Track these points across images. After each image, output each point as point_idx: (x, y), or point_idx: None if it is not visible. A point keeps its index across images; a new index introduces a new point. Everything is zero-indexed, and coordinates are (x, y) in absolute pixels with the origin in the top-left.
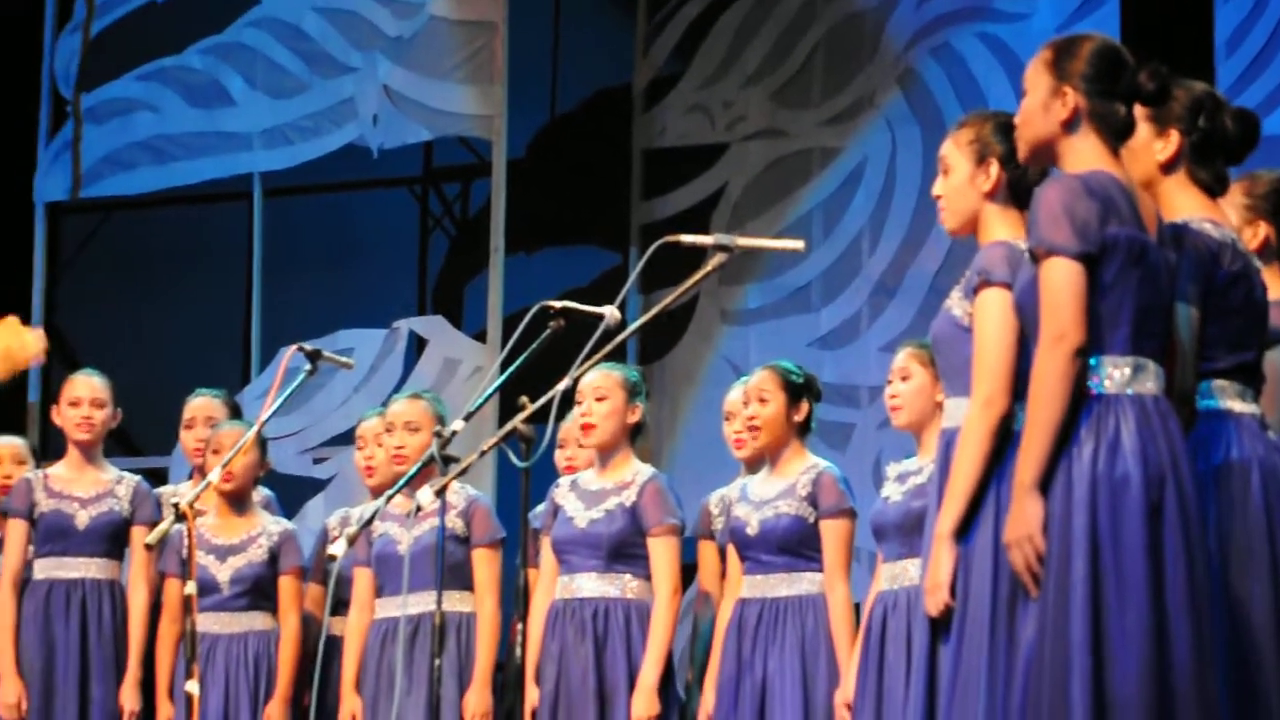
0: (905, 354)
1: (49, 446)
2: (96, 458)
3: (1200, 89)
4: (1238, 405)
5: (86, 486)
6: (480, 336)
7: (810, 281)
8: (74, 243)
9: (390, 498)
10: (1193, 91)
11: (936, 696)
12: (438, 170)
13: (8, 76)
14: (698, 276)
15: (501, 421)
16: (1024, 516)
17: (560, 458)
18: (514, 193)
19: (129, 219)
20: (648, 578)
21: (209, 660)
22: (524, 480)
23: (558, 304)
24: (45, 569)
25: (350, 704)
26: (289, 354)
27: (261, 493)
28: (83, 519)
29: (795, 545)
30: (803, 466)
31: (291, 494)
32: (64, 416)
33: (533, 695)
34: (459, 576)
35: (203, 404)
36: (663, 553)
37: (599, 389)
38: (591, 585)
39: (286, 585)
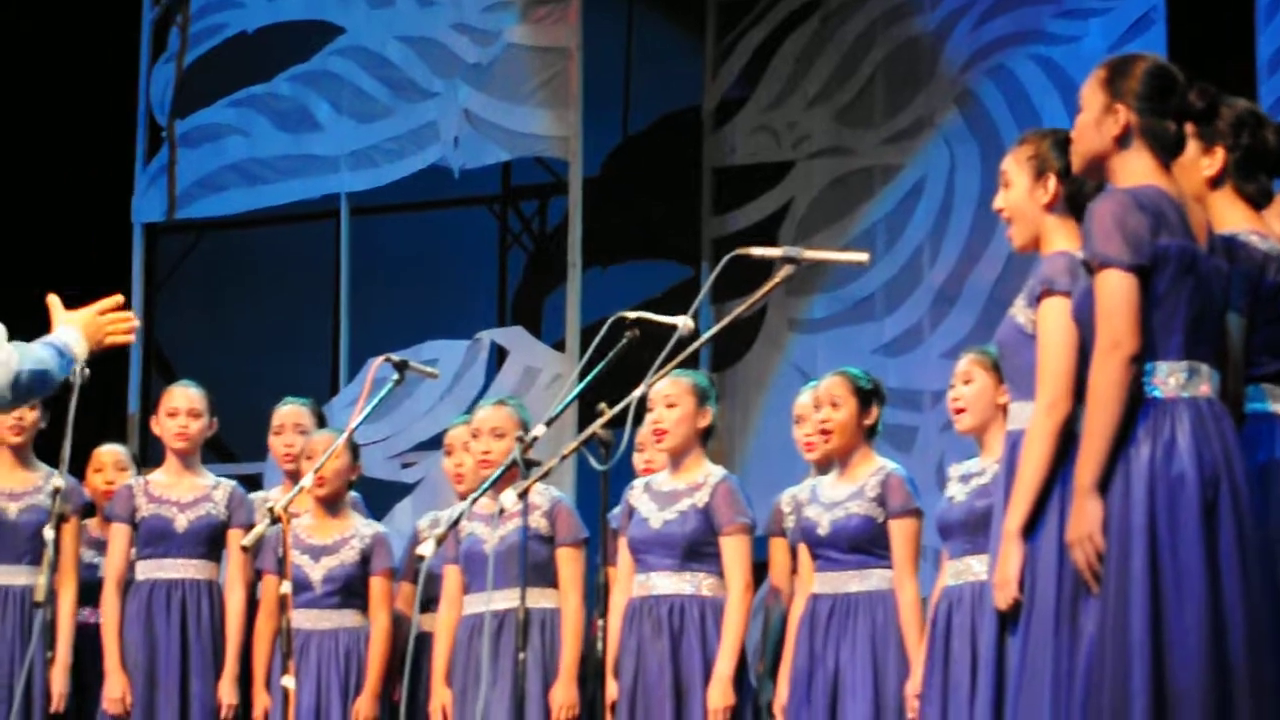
0: (968, 359)
1: (148, 454)
2: (194, 464)
3: (1243, 106)
4: None
5: (185, 492)
6: (559, 346)
7: (874, 292)
8: (170, 261)
9: (476, 500)
10: (1235, 109)
11: (1005, 688)
12: (516, 189)
13: (107, 105)
14: (767, 287)
15: (581, 427)
16: (1084, 516)
17: (638, 461)
18: (589, 210)
19: (222, 238)
20: (720, 575)
21: (302, 656)
22: (603, 482)
23: (633, 315)
24: (147, 570)
25: (440, 696)
26: (376, 364)
27: (351, 496)
28: (182, 523)
29: (865, 544)
30: (871, 469)
31: (380, 498)
32: (163, 426)
33: (612, 689)
34: (542, 574)
35: (290, 411)
36: (735, 551)
37: (669, 396)
38: (667, 583)
39: (377, 585)
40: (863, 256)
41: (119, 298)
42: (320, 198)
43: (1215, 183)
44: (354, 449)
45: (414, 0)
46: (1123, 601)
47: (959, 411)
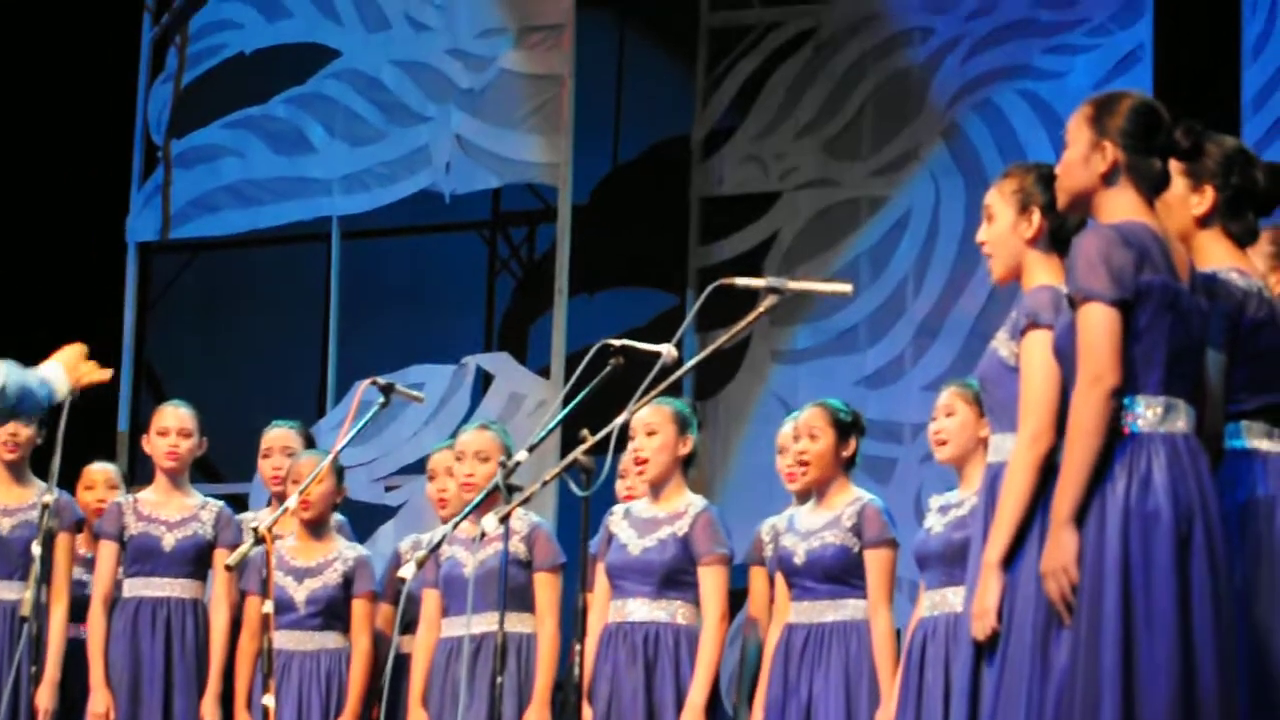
0: (950, 392)
1: (137, 472)
2: (183, 484)
3: (1231, 145)
4: (1264, 444)
5: (173, 511)
6: (544, 372)
7: (857, 323)
8: (163, 281)
9: (458, 524)
10: (1224, 147)
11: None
12: (506, 215)
13: (103, 124)
14: (751, 317)
15: (563, 453)
16: (1060, 548)
17: (621, 487)
18: (578, 237)
19: (215, 259)
20: (697, 604)
21: (284, 676)
22: (584, 509)
23: (618, 342)
24: (133, 588)
25: (417, 717)
26: (363, 387)
27: (335, 519)
28: (169, 541)
29: (840, 574)
30: (848, 499)
31: (364, 520)
32: (153, 445)
33: (587, 714)
34: (520, 599)
35: (279, 434)
36: (712, 581)
37: (650, 424)
38: (643, 610)
39: (359, 607)
40: (846, 288)
41: (81, 347)
42: (312, 220)
43: (1204, 221)
44: (339, 472)
45: (409, 25)
46: (1094, 634)
47: (940, 443)
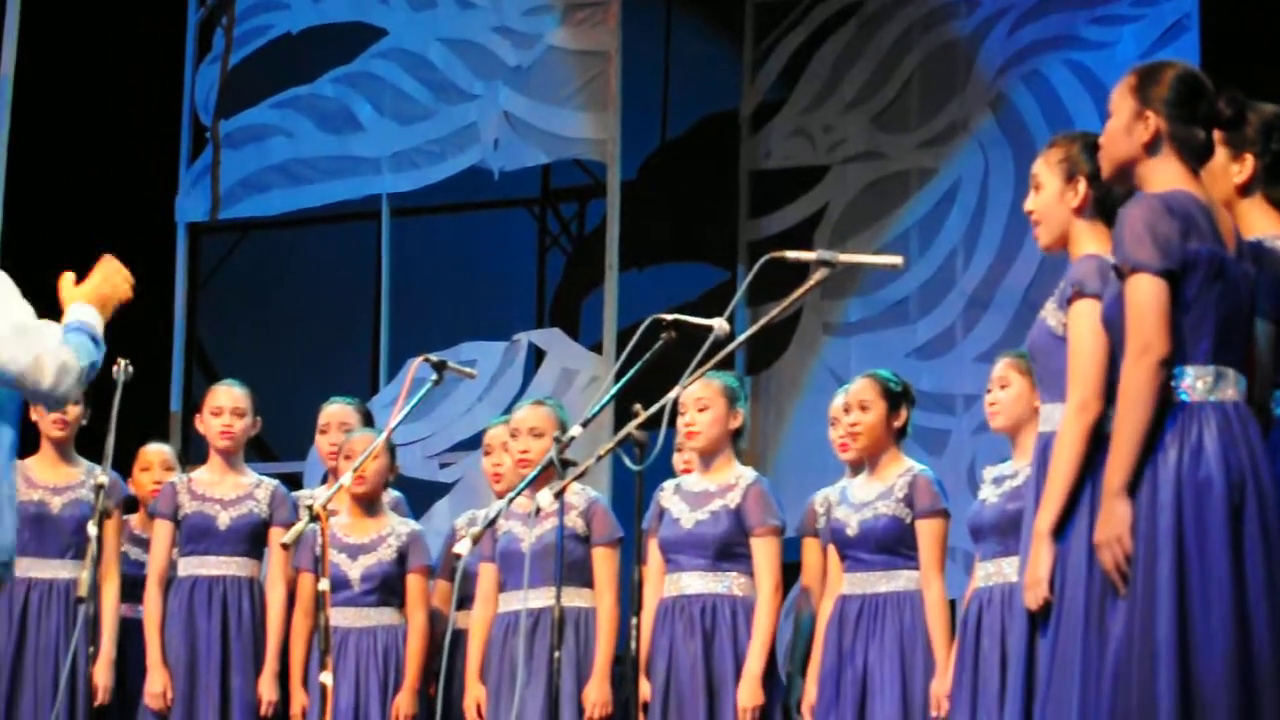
0: (1004, 363)
1: (190, 453)
2: (237, 463)
3: (1270, 112)
4: None
5: (228, 490)
6: (596, 348)
7: (908, 296)
8: (213, 261)
9: (512, 499)
10: (1263, 115)
11: (1034, 688)
12: (555, 191)
13: (151, 105)
14: (802, 290)
15: (617, 428)
16: (1113, 519)
17: (678, 461)
18: (627, 212)
19: (264, 238)
20: (751, 575)
21: (340, 653)
22: (638, 483)
23: (669, 317)
24: (189, 567)
25: (474, 692)
26: (415, 365)
27: (391, 495)
28: (224, 520)
29: (893, 544)
30: (900, 470)
31: (419, 497)
32: (207, 425)
33: (645, 688)
34: (577, 573)
35: (337, 410)
36: (765, 552)
37: (701, 398)
38: (698, 583)
39: (414, 583)
40: (897, 260)
41: (109, 258)
42: (362, 199)
43: (1245, 190)
44: (391, 449)
45: (455, 3)
46: (1149, 603)
47: (994, 414)
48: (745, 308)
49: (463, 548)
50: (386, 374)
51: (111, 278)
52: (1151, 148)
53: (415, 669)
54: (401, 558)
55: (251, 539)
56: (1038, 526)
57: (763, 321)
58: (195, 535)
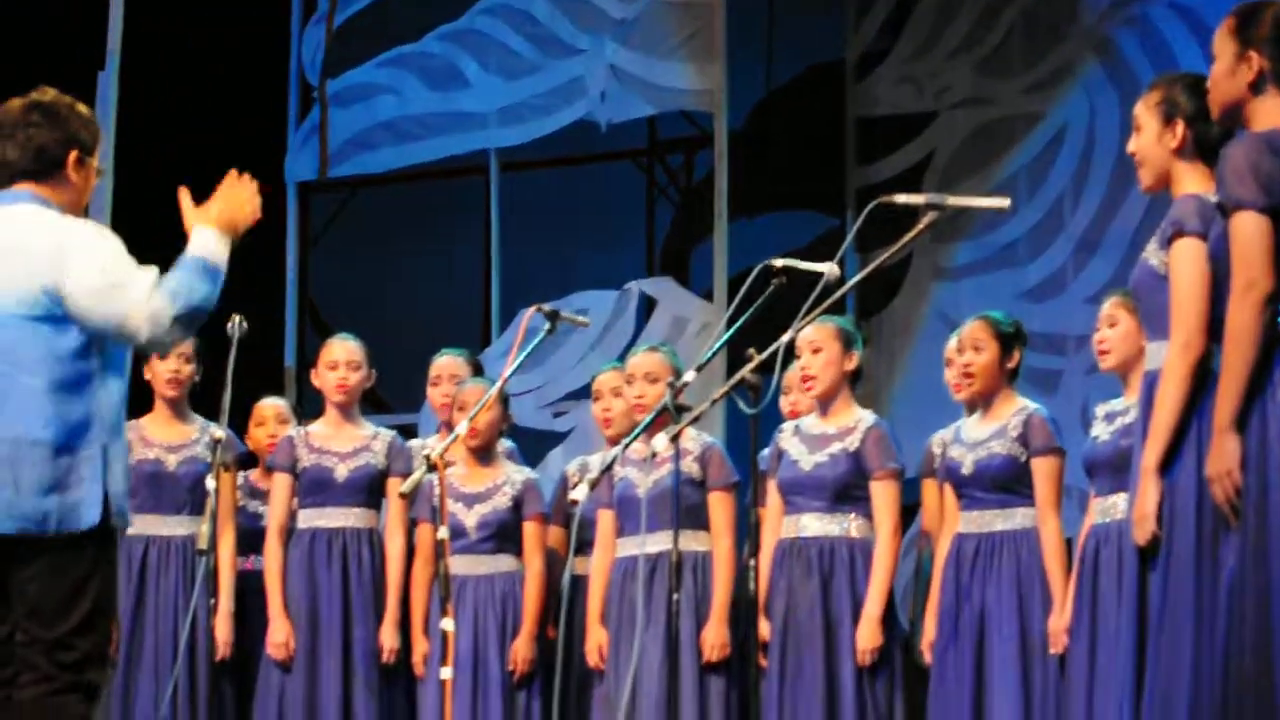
0: (1112, 302)
1: (305, 407)
2: (353, 415)
3: None
4: None
5: (344, 442)
6: (706, 295)
7: (1017, 239)
8: (323, 218)
9: (628, 445)
10: None
11: (1146, 623)
12: (662, 143)
13: (259, 67)
14: (912, 234)
15: (729, 373)
16: (1223, 453)
17: (784, 404)
18: (734, 161)
19: (373, 195)
20: (869, 517)
21: (459, 601)
22: (752, 426)
23: (780, 262)
24: (308, 519)
25: (596, 636)
26: (529, 314)
27: (504, 445)
28: (342, 472)
29: (1008, 483)
30: (1013, 409)
31: (532, 446)
32: (322, 379)
33: (764, 629)
34: (694, 517)
35: (447, 362)
36: (884, 494)
37: (816, 342)
38: (816, 525)
39: (530, 530)
40: (1004, 201)
41: (235, 176)
42: (470, 154)
43: None
44: (505, 399)
45: None
46: (1262, 535)
47: (1104, 353)
48: (855, 254)
49: (580, 493)
50: (498, 326)
51: (236, 197)
52: (1256, 87)
53: (533, 615)
54: (517, 506)
55: (369, 490)
56: (1144, 463)
57: (874, 265)
58: (314, 487)
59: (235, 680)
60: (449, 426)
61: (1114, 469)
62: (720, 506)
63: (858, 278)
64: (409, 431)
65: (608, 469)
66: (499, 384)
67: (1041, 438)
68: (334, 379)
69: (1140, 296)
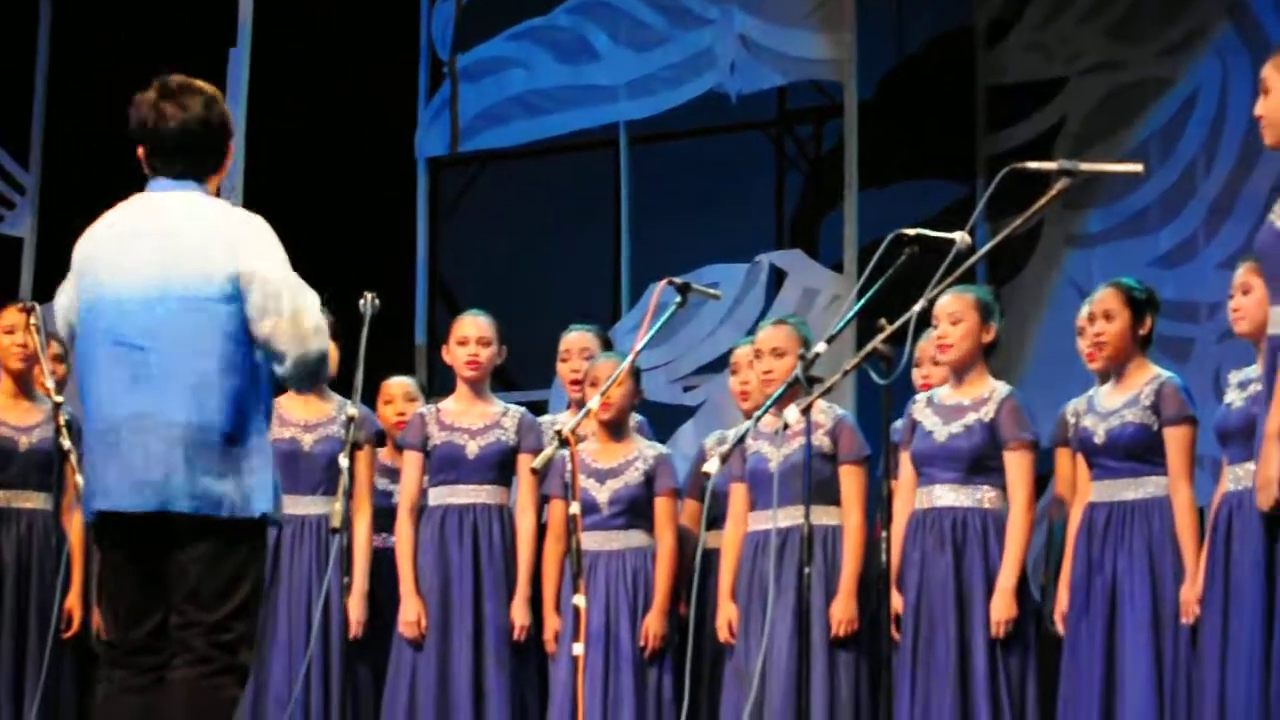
0: (1245, 268)
1: (436, 384)
2: (484, 392)
3: None
4: None
5: (475, 419)
6: (836, 267)
7: (1148, 205)
8: (453, 193)
9: (759, 418)
10: None
11: (1275, 588)
12: (791, 113)
13: (389, 42)
14: (1044, 200)
15: (860, 345)
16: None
17: (916, 375)
18: (864, 131)
19: (504, 169)
20: (1002, 488)
21: (591, 577)
22: (884, 397)
23: (911, 231)
24: (439, 496)
25: (727, 611)
26: (660, 288)
27: (635, 419)
28: (473, 449)
29: (1141, 451)
30: (1146, 378)
31: (664, 421)
32: (453, 355)
33: (896, 601)
34: (825, 491)
35: (577, 338)
36: (1019, 466)
37: (953, 312)
38: (950, 496)
39: (661, 505)
40: (1138, 167)
41: None
42: (599, 127)
43: None
44: (636, 374)
45: None
46: None
47: (1238, 319)
48: (985, 222)
49: (712, 467)
50: (628, 300)
51: None
52: None
53: (664, 590)
54: (649, 481)
55: (500, 467)
56: (1268, 428)
57: (1005, 233)
58: (445, 465)
59: (369, 659)
60: (578, 403)
61: (1247, 436)
62: (851, 480)
63: (989, 246)
64: (539, 409)
65: (739, 442)
66: (630, 358)
67: (1174, 406)
68: (464, 355)
69: (1265, 260)
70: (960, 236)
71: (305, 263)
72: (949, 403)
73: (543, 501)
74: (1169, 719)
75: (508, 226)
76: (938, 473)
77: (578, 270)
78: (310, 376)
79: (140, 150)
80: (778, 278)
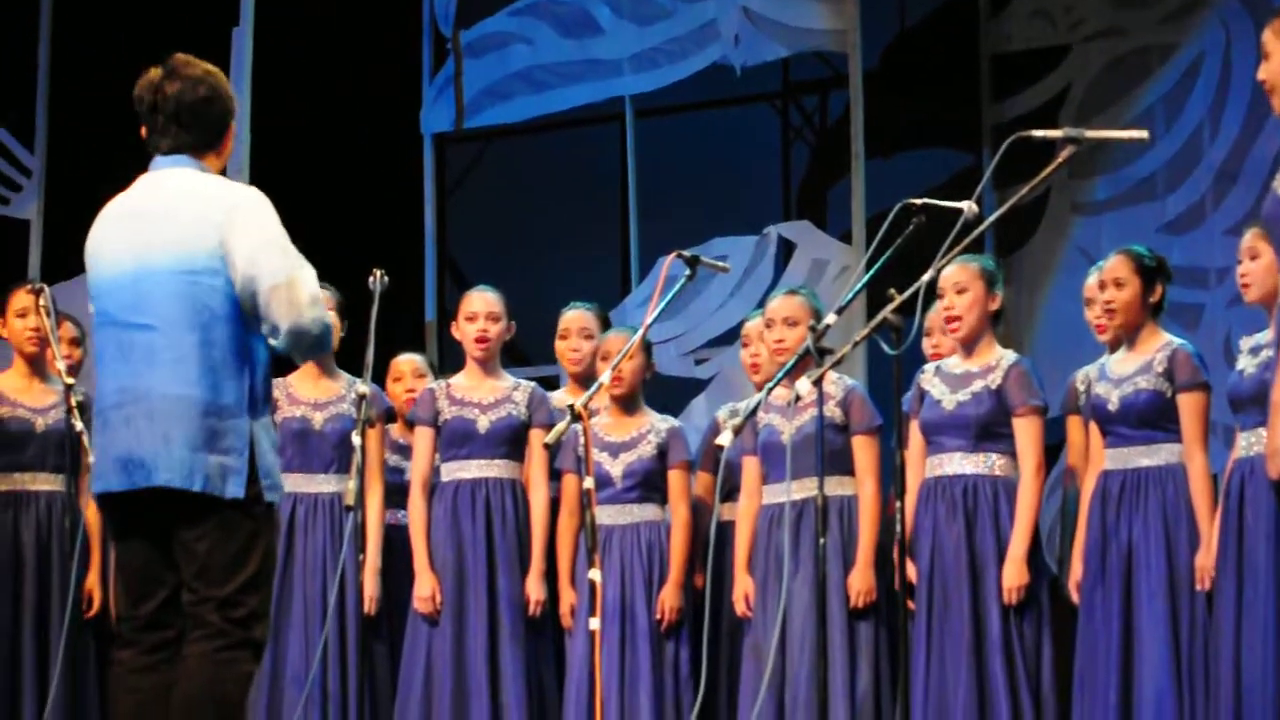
0: (1252, 234)
1: (446, 361)
2: (494, 368)
3: None
4: None
5: (486, 394)
6: (845, 237)
7: (1155, 171)
8: (459, 169)
9: (771, 390)
10: None
11: None
12: (796, 84)
13: (392, 19)
14: (1050, 168)
15: (870, 316)
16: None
17: (927, 345)
18: (870, 101)
19: (509, 145)
20: (1013, 455)
21: (605, 551)
22: (895, 367)
23: (919, 201)
24: (451, 472)
25: (743, 583)
26: (669, 261)
27: None
28: (484, 424)
29: (1154, 418)
30: (1158, 344)
31: (675, 394)
32: (462, 331)
33: (910, 570)
34: (839, 462)
35: (576, 316)
36: (1027, 432)
37: (959, 282)
38: (960, 464)
39: (675, 478)
40: (1143, 133)
41: None
42: (604, 101)
43: None
44: (647, 347)
45: None
46: None
47: (1246, 286)
48: (992, 191)
49: (725, 439)
50: (637, 275)
51: None
52: None
53: (679, 563)
54: (662, 454)
55: (512, 441)
56: (1275, 396)
57: (1012, 201)
58: (456, 440)
59: (384, 635)
60: (578, 380)
61: (1259, 403)
62: (864, 450)
63: (997, 214)
64: (550, 384)
65: (750, 415)
66: (641, 331)
67: (1187, 372)
68: (473, 331)
69: (1271, 227)
70: (968, 205)
71: (313, 241)
72: (956, 371)
73: (556, 476)
74: (1186, 685)
75: (515, 202)
76: (947, 441)
77: (586, 244)
78: (311, 348)
79: (143, 130)
80: (786, 249)
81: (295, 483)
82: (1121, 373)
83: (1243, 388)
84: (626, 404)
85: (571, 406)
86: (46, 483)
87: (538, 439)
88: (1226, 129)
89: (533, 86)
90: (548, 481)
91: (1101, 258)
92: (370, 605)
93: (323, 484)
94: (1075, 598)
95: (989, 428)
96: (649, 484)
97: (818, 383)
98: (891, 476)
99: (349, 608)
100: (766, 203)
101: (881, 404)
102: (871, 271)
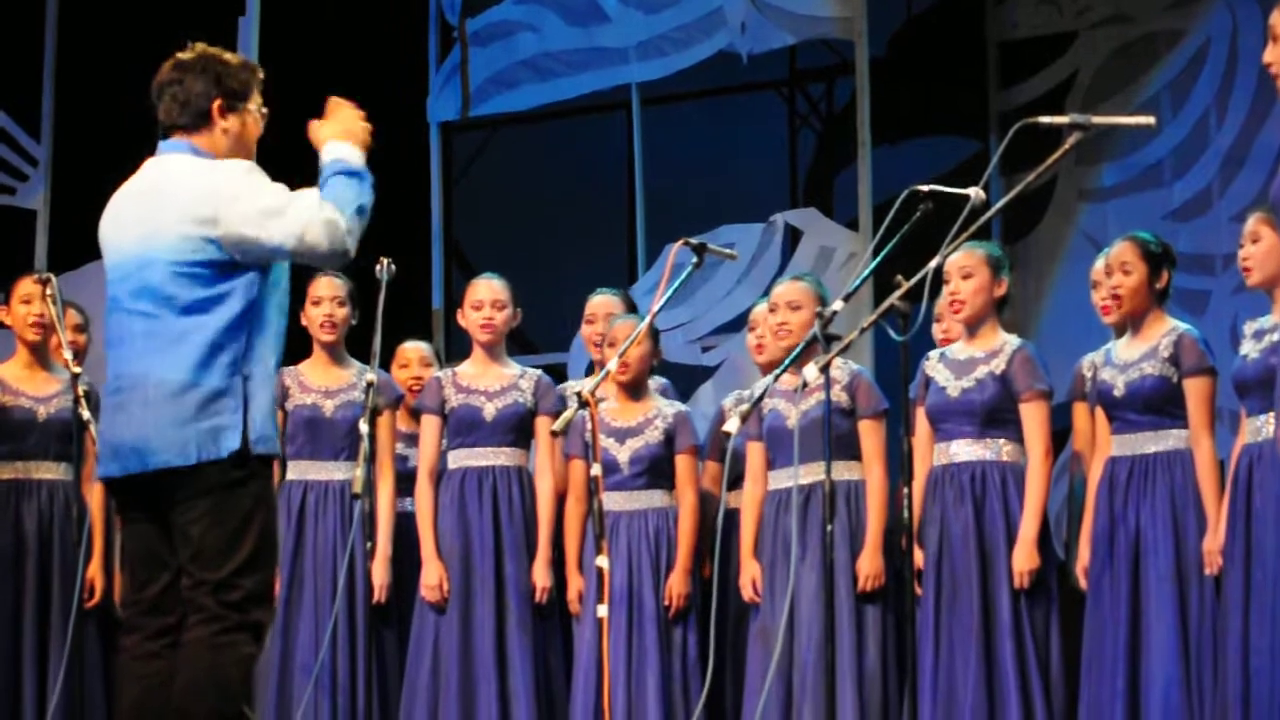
0: (1255, 218)
1: (453, 349)
2: (500, 355)
3: None
4: None
5: (492, 381)
6: (851, 224)
7: (1162, 158)
8: (466, 158)
9: (778, 376)
10: None
11: None
12: (803, 72)
13: (398, 8)
14: (1057, 154)
15: (876, 302)
16: None
17: (936, 331)
18: (876, 89)
19: (516, 133)
20: (1020, 441)
21: (613, 537)
22: (903, 353)
23: (926, 188)
24: (457, 459)
25: (750, 570)
26: (676, 249)
27: (658, 381)
28: (490, 411)
29: (1160, 404)
30: (1164, 330)
31: (683, 381)
32: (468, 319)
33: (918, 557)
34: (845, 447)
35: (602, 301)
36: (1034, 416)
37: (965, 268)
38: (967, 450)
39: (682, 464)
40: (1149, 119)
41: (336, 100)
42: (611, 89)
43: None
44: (654, 334)
45: None
46: None
47: (1248, 270)
48: (999, 177)
49: (731, 426)
50: (644, 262)
51: (350, 117)
52: None
53: (686, 549)
54: (669, 440)
55: (518, 429)
56: None
57: (1019, 187)
58: (462, 428)
59: (393, 623)
60: (601, 365)
61: (1265, 387)
62: (870, 434)
63: (1003, 201)
64: (557, 372)
65: (757, 401)
66: (648, 318)
67: (1193, 358)
68: (479, 319)
69: (1278, 210)
70: (975, 192)
71: None
72: (961, 357)
73: (564, 462)
74: (1194, 670)
75: (521, 190)
76: (954, 427)
77: (592, 232)
78: (354, 240)
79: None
80: (793, 236)
81: (306, 470)
82: (1127, 358)
83: (1247, 372)
84: (634, 390)
85: (579, 393)
86: (49, 471)
87: (544, 426)
88: (1233, 115)
89: (539, 74)
90: (554, 468)
91: (1108, 244)
92: (380, 593)
93: (333, 471)
94: (1083, 583)
95: (995, 413)
96: (656, 470)
97: (825, 369)
98: (899, 464)
99: (358, 595)
100: (773, 190)
101: (888, 390)
102: (878, 258)
